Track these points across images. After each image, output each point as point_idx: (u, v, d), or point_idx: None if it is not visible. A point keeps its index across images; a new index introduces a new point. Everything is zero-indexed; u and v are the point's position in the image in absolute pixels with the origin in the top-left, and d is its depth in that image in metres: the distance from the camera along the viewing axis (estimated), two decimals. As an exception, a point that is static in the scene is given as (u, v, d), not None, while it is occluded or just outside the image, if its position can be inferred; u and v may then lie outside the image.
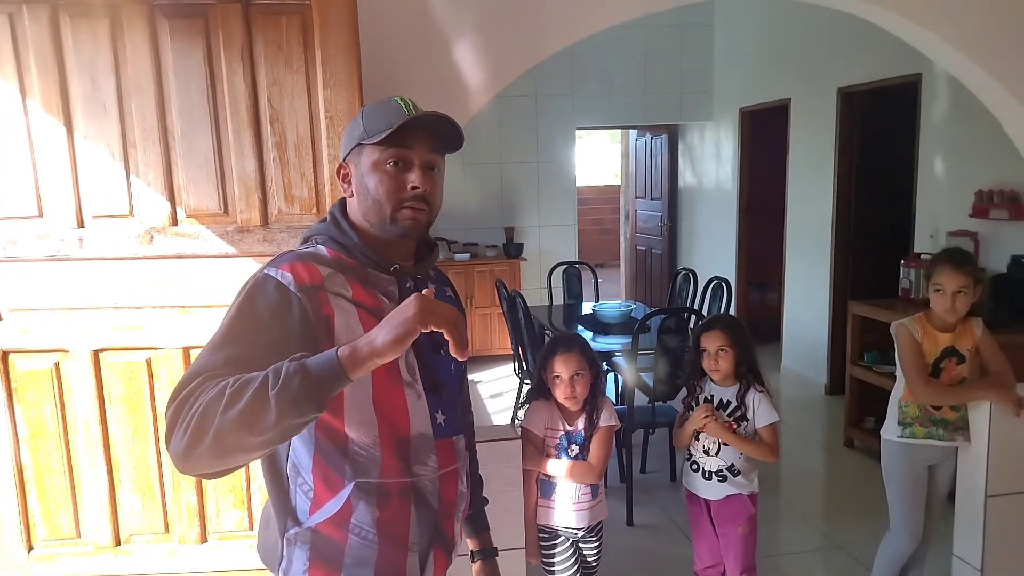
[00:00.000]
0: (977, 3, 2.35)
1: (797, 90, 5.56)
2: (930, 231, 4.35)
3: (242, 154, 1.74)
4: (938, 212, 4.33)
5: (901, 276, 4.12)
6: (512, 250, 6.54)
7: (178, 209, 1.76)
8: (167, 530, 1.86)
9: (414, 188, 1.25)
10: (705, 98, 6.90)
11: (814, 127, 5.37)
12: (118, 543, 1.86)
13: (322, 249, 1.27)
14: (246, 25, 1.72)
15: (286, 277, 1.18)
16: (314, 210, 1.74)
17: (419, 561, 1.31)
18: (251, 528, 1.86)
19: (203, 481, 1.84)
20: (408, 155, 1.25)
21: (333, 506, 1.25)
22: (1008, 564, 2.56)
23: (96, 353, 1.81)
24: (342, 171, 1.32)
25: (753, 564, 2.51)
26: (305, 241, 1.32)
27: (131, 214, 1.78)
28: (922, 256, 4.04)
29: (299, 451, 1.26)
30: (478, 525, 1.60)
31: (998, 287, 3.67)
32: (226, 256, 1.75)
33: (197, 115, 1.75)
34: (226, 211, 1.75)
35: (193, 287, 1.77)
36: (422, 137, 1.26)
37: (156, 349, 1.81)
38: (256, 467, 1.85)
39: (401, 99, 1.28)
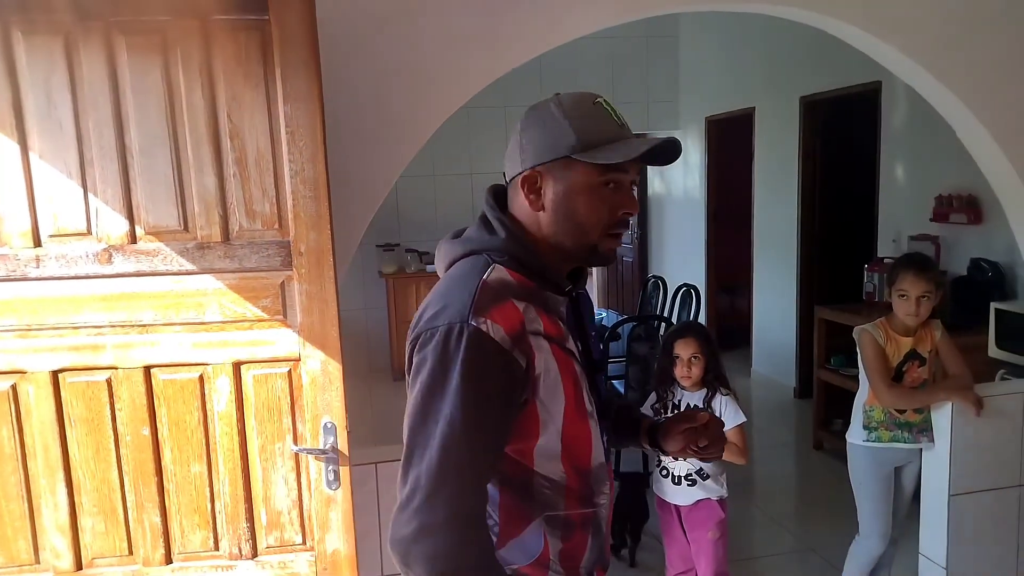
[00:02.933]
0: (930, 15, 2.41)
1: (761, 99, 5.65)
2: (892, 236, 4.44)
3: (201, 170, 1.73)
4: (900, 217, 4.42)
5: (865, 280, 4.19)
6: (484, 261, 6.53)
7: (137, 227, 1.74)
8: (131, 552, 1.82)
9: (627, 214, 1.15)
10: (672, 107, 6.98)
11: (778, 135, 5.46)
12: (79, 567, 1.82)
13: (503, 272, 1.12)
14: (205, 41, 1.70)
15: (499, 333, 1.05)
16: (276, 225, 1.73)
17: None
18: (216, 548, 1.83)
19: (167, 501, 1.82)
20: (624, 178, 1.15)
21: (534, 547, 1.16)
22: (971, 560, 2.61)
23: (55, 374, 1.78)
24: (532, 178, 1.15)
25: (725, 569, 2.53)
26: (469, 253, 1.17)
27: (89, 232, 1.75)
28: (885, 260, 4.11)
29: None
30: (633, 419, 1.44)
31: (958, 290, 3.75)
32: (187, 273, 1.73)
33: (156, 131, 1.73)
34: (186, 228, 1.73)
35: (153, 305, 1.75)
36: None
37: (117, 369, 1.78)
38: (220, 486, 1.83)
39: (605, 103, 1.15)
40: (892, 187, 4.49)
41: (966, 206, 3.92)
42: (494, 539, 1.15)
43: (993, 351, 3.43)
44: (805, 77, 5.09)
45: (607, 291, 8.57)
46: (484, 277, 1.10)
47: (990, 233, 3.82)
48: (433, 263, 7.03)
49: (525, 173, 1.16)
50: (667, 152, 1.16)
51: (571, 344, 1.17)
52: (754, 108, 5.73)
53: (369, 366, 6.61)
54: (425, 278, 6.29)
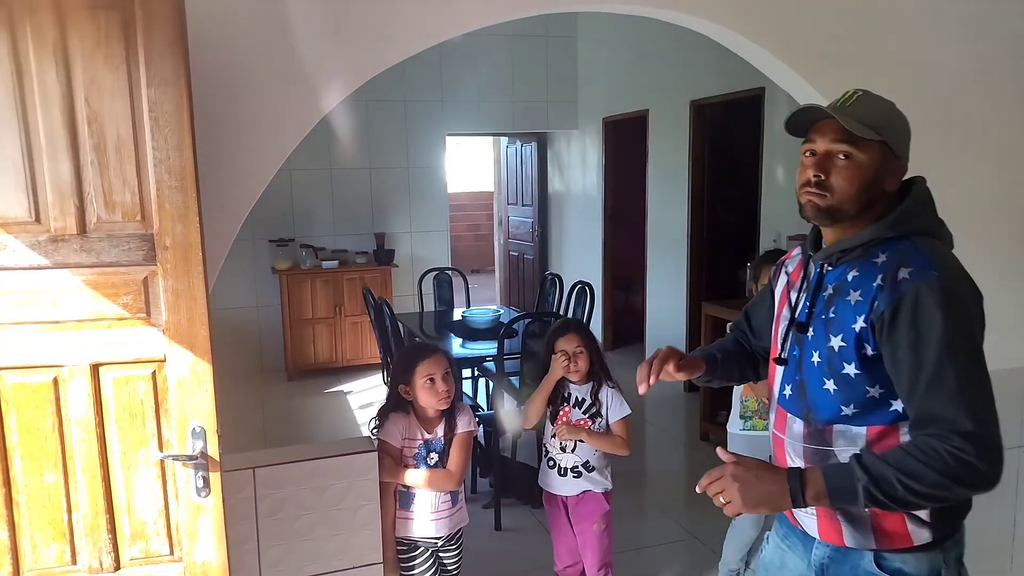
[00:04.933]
0: (803, 21, 2.53)
1: (654, 102, 5.81)
2: (773, 236, 4.66)
3: (56, 157, 1.60)
4: (780, 218, 4.64)
5: (747, 278, 4.38)
6: (383, 256, 6.44)
7: (-19, 217, 1.60)
8: (-26, 572, 1.68)
9: (807, 175, 1.40)
10: (571, 107, 7.09)
11: (670, 137, 5.63)
12: (-88, 591, 1.66)
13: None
14: (58, 19, 1.57)
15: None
16: (139, 217, 1.61)
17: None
18: (74, 562, 1.70)
19: (16, 514, 1.67)
20: (812, 146, 1.42)
21: None
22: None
23: None
24: None
25: (610, 560, 2.59)
26: None
27: (-74, 223, 1.59)
28: (765, 259, 4.31)
29: None
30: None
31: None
32: (38, 268, 1.60)
33: (3, 115, 1.58)
34: (38, 219, 1.60)
35: (1, 303, 1.61)
36: (824, 127, 1.40)
37: (-40, 372, 1.63)
38: (77, 496, 1.70)
39: (853, 92, 1.43)
40: (773, 189, 4.71)
41: (839, 208, 4.15)
42: None
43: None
44: (695, 81, 5.27)
45: (509, 288, 8.62)
46: None
47: (860, 234, 4.06)
48: (330, 259, 6.88)
49: None
50: (807, 117, 1.43)
51: (794, 295, 1.52)
52: (647, 110, 5.89)
53: (262, 366, 6.40)
54: (320, 275, 6.13)
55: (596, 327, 6.38)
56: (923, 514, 1.38)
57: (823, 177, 1.38)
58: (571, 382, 2.55)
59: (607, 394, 2.54)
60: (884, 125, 1.39)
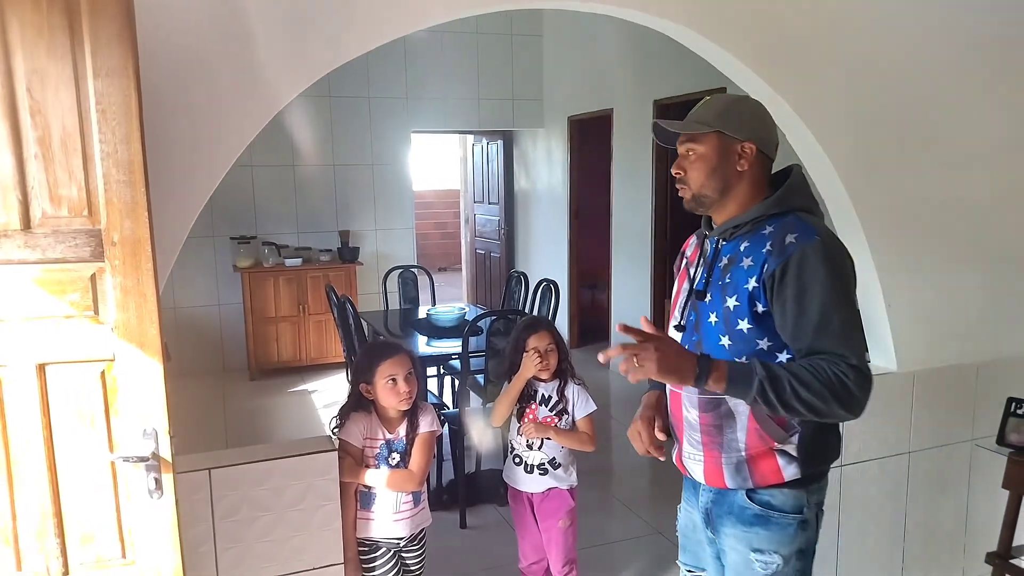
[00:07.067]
0: (762, 23, 2.55)
1: (618, 101, 5.83)
2: (736, 233, 4.70)
3: (-3, 150, 1.55)
4: (742, 215, 4.68)
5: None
6: (348, 254, 6.37)
7: (-82, 212, 1.54)
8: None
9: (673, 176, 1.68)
10: (536, 106, 7.09)
11: (634, 137, 5.65)
12: None
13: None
14: (-2, 6, 1.53)
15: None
16: (85, 212, 1.56)
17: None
18: (19, 568, 1.64)
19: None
20: (675, 151, 1.67)
21: None
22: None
23: None
24: None
25: (574, 556, 2.59)
26: None
27: None
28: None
29: None
30: None
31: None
32: (-21, 265, 1.55)
33: (-59, 105, 1.53)
34: (-22, 214, 1.55)
35: (-61, 301, 1.55)
36: (677, 135, 1.66)
37: (-102, 373, 1.57)
38: (23, 500, 1.65)
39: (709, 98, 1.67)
40: (736, 187, 4.75)
41: (799, 206, 4.21)
42: None
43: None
44: (658, 82, 5.30)
45: (476, 286, 8.60)
46: None
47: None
48: (293, 257, 6.78)
49: None
50: (667, 129, 1.67)
51: (692, 270, 1.72)
52: (612, 110, 5.91)
53: (224, 365, 6.29)
54: (284, 272, 6.05)
55: (562, 325, 6.40)
56: (791, 449, 1.58)
57: (682, 173, 1.66)
58: (539, 380, 2.55)
59: (573, 391, 2.54)
60: (716, 117, 1.62)
